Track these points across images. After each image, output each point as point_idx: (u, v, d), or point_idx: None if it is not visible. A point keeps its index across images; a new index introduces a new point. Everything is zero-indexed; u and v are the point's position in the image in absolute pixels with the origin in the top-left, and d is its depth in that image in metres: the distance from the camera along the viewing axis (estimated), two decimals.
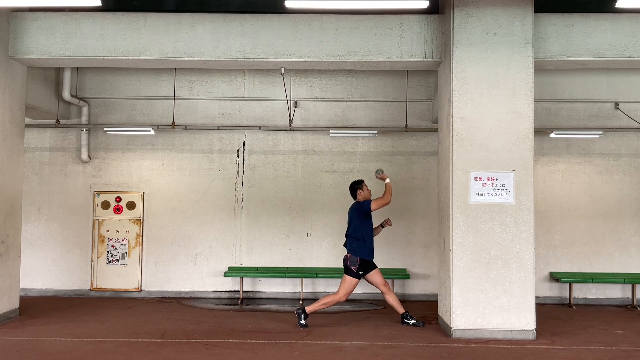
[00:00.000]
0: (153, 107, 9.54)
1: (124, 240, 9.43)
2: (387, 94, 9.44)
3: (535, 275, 6.72)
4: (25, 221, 9.03)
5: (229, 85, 9.49)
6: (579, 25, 6.97)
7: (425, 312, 8.08)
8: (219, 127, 9.36)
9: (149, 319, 7.58)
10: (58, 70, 9.24)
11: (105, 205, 9.46)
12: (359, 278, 7.10)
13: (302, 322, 7.07)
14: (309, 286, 9.29)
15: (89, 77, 9.50)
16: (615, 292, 9.14)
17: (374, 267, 7.23)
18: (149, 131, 9.00)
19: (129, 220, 9.46)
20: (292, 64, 7.45)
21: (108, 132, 9.30)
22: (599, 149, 9.31)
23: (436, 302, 7.55)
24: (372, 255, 7.19)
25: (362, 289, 9.19)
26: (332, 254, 9.34)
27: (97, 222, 9.45)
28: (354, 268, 7.03)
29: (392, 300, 7.26)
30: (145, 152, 9.56)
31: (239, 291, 9.24)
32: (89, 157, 9.49)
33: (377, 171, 7.25)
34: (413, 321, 7.23)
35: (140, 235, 9.45)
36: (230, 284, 9.39)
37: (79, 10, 7.27)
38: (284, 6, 5.92)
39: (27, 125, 8.94)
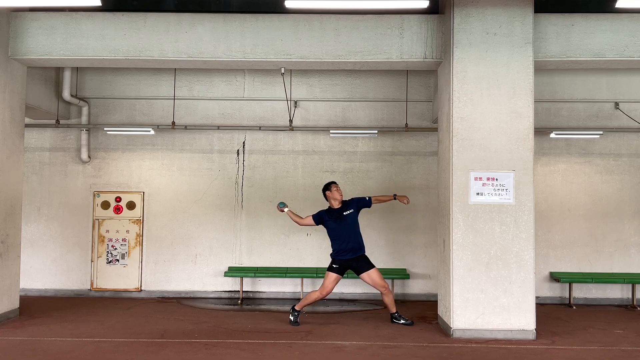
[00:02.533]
0: (153, 107, 9.54)
1: (124, 240, 9.43)
2: (387, 94, 9.43)
3: (535, 275, 6.72)
4: (25, 221, 9.03)
5: (229, 85, 9.49)
6: (579, 25, 6.97)
7: (425, 312, 8.08)
8: (219, 127, 9.35)
9: (149, 319, 7.58)
10: (58, 70, 9.24)
11: (105, 205, 9.46)
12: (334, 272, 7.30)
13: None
14: (309, 286, 9.27)
15: (89, 77, 9.50)
16: (615, 292, 9.13)
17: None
18: (149, 131, 9.00)
19: (129, 220, 9.46)
20: (292, 64, 7.45)
21: (108, 132, 9.31)
22: (599, 149, 9.31)
23: (436, 302, 7.54)
24: (336, 254, 7.35)
25: (362, 289, 9.21)
26: None
27: (97, 222, 9.45)
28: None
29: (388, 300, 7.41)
30: (145, 152, 9.56)
31: (239, 291, 9.24)
32: (89, 157, 9.49)
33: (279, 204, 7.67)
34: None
35: (140, 235, 9.45)
36: (230, 284, 9.39)
37: (79, 10, 7.27)
38: (284, 6, 5.92)
39: (27, 125, 8.93)
